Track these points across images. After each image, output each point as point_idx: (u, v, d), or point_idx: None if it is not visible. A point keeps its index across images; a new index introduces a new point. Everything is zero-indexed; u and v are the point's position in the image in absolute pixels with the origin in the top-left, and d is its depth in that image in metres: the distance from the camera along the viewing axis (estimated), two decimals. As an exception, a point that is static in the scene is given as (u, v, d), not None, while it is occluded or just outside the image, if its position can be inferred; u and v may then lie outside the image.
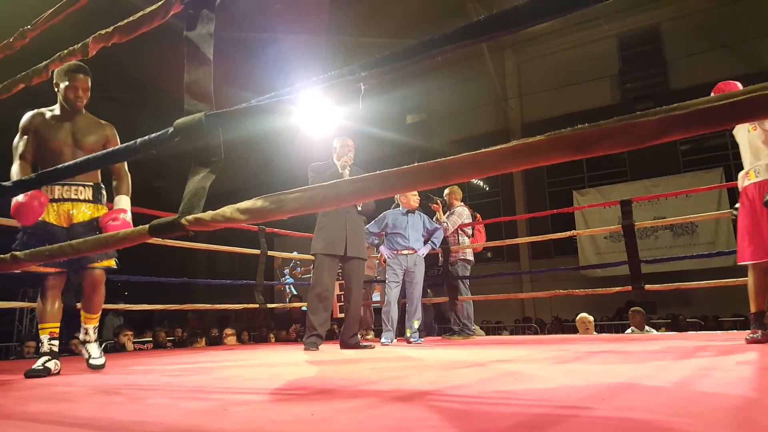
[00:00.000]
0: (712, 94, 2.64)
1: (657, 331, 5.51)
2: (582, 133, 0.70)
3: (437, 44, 0.90)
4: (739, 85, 2.81)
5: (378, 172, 0.88)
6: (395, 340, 4.03)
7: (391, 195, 0.96)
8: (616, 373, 1.61)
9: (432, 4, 10.22)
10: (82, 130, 2.38)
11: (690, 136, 0.67)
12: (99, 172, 2.42)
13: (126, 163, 2.43)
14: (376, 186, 0.88)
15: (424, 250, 4.18)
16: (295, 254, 8.87)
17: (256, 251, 4.95)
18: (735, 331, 4.67)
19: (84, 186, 2.35)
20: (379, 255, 4.50)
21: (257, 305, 4.85)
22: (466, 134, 12.67)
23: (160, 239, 1.39)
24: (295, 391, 1.42)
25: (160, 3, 1.28)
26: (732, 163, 9.92)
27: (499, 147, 0.76)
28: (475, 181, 13.00)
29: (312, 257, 3.54)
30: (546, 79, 11.79)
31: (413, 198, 4.19)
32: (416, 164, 0.84)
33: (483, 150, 0.77)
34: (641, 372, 1.59)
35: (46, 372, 2.12)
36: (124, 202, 2.43)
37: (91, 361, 2.34)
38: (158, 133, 1.22)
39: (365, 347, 3.39)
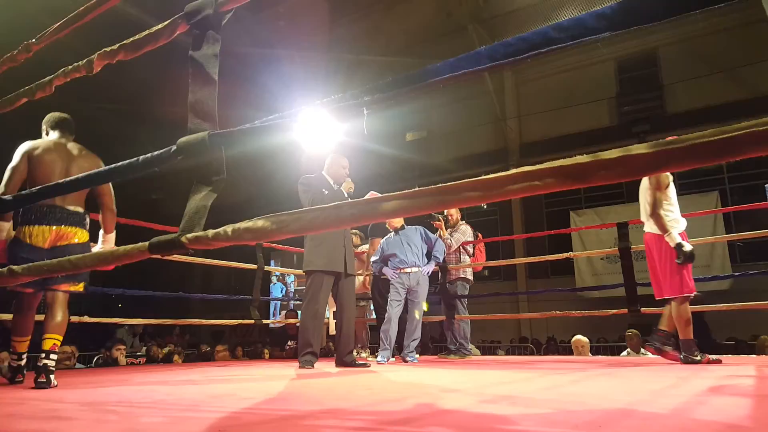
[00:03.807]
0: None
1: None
2: (580, 164, 0.71)
3: (439, 72, 0.92)
4: None
5: (379, 195, 0.89)
6: (392, 359, 4.00)
7: (393, 218, 0.97)
8: (612, 398, 1.60)
9: (433, 25, 10.38)
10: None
11: (686, 168, 0.68)
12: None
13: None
14: (378, 209, 0.89)
15: (427, 268, 4.13)
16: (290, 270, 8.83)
17: (253, 266, 4.94)
18: (730, 355, 4.65)
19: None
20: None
21: (252, 321, 4.82)
22: (465, 153, 12.75)
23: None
24: (291, 412, 1.41)
25: (166, 23, 1.30)
26: (727, 187, 10.00)
27: (499, 174, 0.77)
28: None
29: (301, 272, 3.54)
30: (545, 100, 11.92)
31: (395, 219, 4.21)
32: (417, 189, 0.85)
33: (483, 177, 0.78)
34: (637, 398, 1.59)
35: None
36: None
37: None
38: (161, 151, 1.23)
39: (361, 366, 3.36)
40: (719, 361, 3.08)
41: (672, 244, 2.96)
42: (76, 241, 2.44)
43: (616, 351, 7.32)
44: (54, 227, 2.39)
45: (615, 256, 8.69)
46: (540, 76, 12.30)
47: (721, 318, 6.35)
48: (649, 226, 3.14)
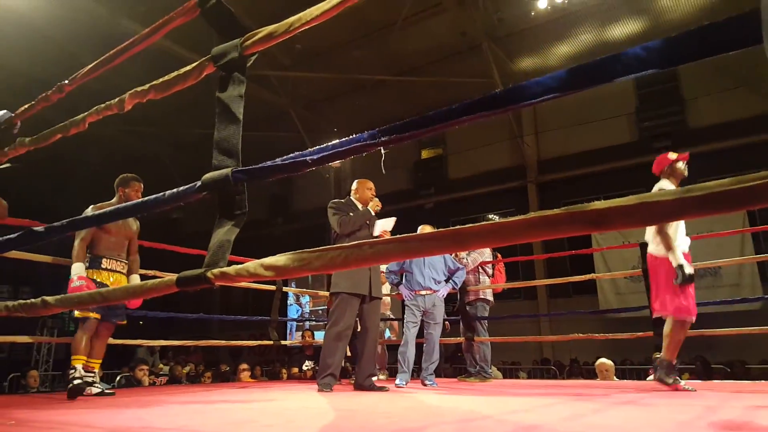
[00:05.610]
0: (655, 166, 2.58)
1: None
2: (601, 210, 0.71)
3: (455, 114, 0.94)
4: (671, 155, 3.04)
5: (399, 236, 0.91)
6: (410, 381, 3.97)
7: (413, 258, 0.98)
8: (636, 430, 1.57)
9: (448, 44, 10.47)
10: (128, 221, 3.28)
11: (705, 216, 0.68)
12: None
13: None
14: (397, 250, 0.90)
15: (443, 291, 4.10)
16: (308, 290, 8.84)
17: (272, 287, 4.98)
18: (764, 381, 4.49)
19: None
20: (396, 294, 4.50)
21: (271, 341, 4.84)
22: (482, 169, 12.72)
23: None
24: (311, 442, 1.42)
25: (194, 64, 1.36)
26: (754, 202, 9.75)
27: (517, 218, 0.78)
28: (490, 216, 12.98)
29: (326, 294, 3.57)
30: (562, 116, 11.86)
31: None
32: (437, 230, 0.87)
33: (502, 220, 0.80)
34: (663, 430, 1.55)
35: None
36: (135, 280, 3.24)
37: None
38: (186, 186, 1.27)
39: (380, 390, 3.35)
40: (693, 390, 3.02)
41: (674, 264, 2.92)
42: None
43: (642, 374, 7.14)
44: None
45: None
46: (557, 92, 12.25)
47: (754, 340, 6.15)
48: (653, 247, 3.14)
